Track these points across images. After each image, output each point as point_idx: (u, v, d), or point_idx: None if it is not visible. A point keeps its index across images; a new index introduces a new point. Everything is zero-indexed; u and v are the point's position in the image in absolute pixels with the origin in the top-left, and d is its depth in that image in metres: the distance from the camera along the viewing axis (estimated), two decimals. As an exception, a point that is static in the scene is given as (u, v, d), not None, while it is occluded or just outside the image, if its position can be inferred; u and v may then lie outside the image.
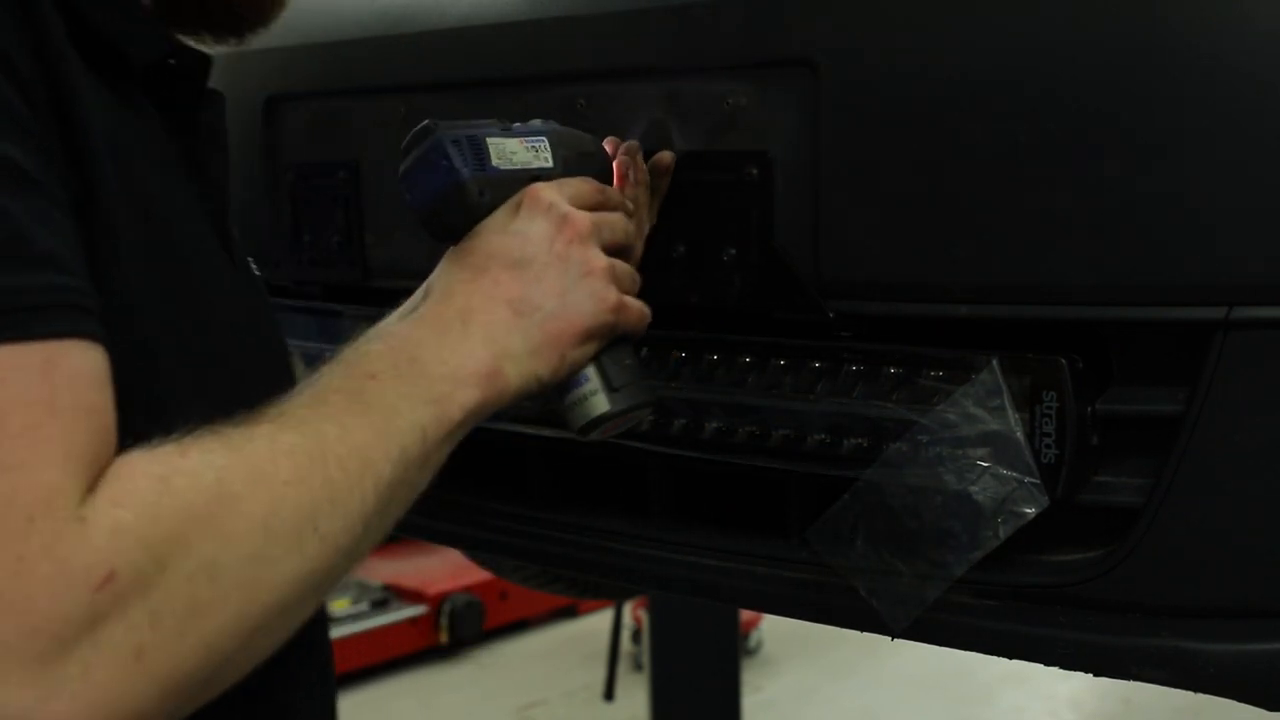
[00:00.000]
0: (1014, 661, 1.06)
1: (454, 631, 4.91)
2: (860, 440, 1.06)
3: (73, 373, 0.67)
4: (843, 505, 1.04)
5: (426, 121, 0.97)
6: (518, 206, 0.96)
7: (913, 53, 1.00)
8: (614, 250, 0.99)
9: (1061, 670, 1.02)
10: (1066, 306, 0.97)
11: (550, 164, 1.01)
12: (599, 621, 4.98)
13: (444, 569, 5.08)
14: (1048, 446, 0.97)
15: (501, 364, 0.90)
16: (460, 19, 1.29)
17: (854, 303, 1.05)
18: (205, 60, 0.94)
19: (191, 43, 0.96)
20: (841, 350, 1.08)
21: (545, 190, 0.97)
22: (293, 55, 1.45)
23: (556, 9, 1.21)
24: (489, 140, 0.98)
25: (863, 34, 1.03)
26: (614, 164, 1.08)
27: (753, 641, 4.84)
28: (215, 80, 0.96)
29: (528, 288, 0.93)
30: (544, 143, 1.02)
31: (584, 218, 0.97)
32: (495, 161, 0.97)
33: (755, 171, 1.07)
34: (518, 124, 1.02)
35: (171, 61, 0.90)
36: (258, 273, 1.02)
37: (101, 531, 0.65)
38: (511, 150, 0.99)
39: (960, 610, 1.06)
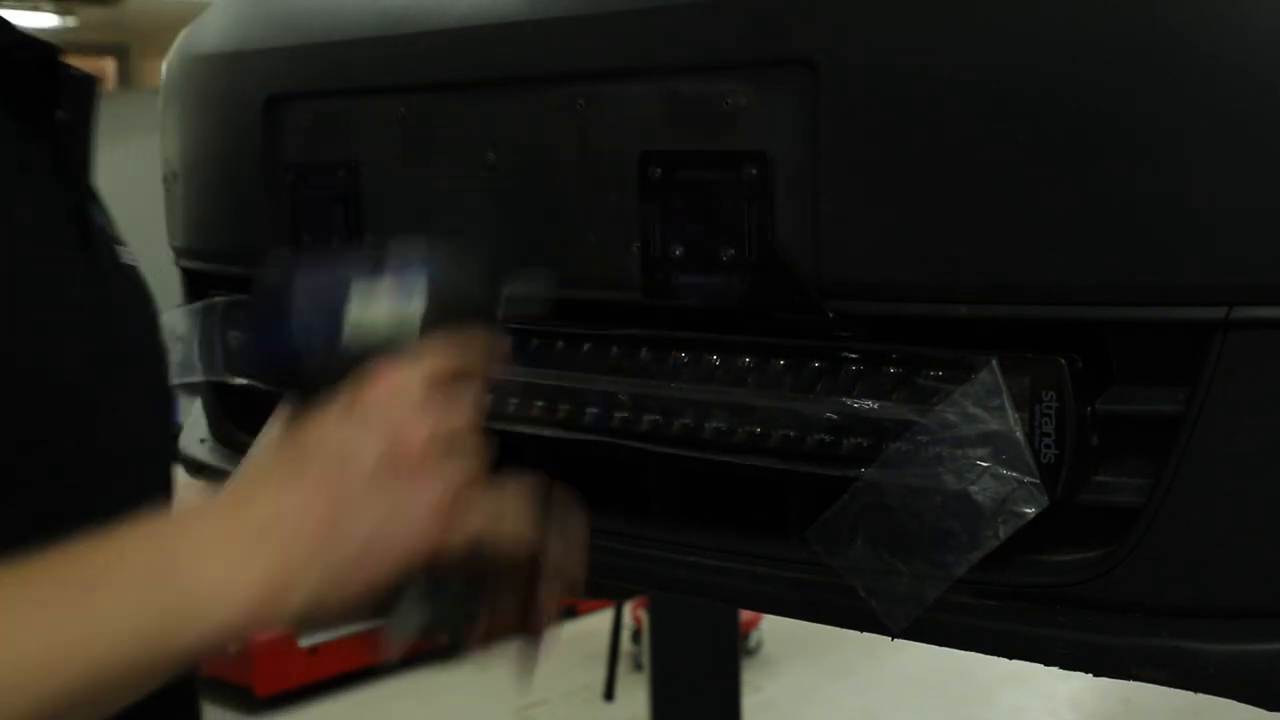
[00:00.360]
0: (1014, 661, 1.05)
1: (454, 631, 4.90)
2: (860, 440, 1.06)
3: None
4: (842, 505, 1.04)
5: (284, 275, 0.86)
6: (346, 408, 0.82)
7: (913, 52, 1.00)
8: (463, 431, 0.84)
9: (1061, 670, 1.02)
10: (1066, 306, 0.97)
11: (418, 323, 0.85)
12: (599, 621, 4.98)
13: (444, 569, 5.07)
14: (1047, 446, 0.97)
15: (283, 591, 0.76)
16: (460, 19, 1.29)
17: (854, 303, 1.05)
18: (53, 50, 0.88)
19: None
20: (841, 350, 1.08)
21: (382, 392, 0.82)
22: (292, 55, 1.45)
23: (556, 9, 1.21)
24: (350, 315, 0.84)
25: (863, 34, 1.03)
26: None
27: (753, 641, 4.84)
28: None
29: (336, 514, 0.78)
30: (417, 304, 0.86)
31: (419, 428, 0.81)
32: (347, 341, 0.84)
33: (755, 171, 1.07)
34: (396, 262, 0.87)
35: (19, 54, 0.86)
36: (132, 262, 0.95)
37: None
38: (372, 321, 0.85)
39: (960, 610, 1.05)
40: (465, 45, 1.28)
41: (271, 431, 0.87)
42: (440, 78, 1.29)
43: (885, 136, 1.01)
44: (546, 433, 1.25)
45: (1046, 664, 1.02)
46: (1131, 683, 1.01)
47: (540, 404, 1.25)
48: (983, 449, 0.98)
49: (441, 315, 0.86)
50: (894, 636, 1.10)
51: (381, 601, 0.82)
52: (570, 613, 5.31)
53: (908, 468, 1.02)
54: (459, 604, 0.88)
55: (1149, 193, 0.92)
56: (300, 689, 4.59)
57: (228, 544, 0.76)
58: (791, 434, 1.09)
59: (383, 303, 0.85)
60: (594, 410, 1.22)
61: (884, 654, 4.80)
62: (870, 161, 1.02)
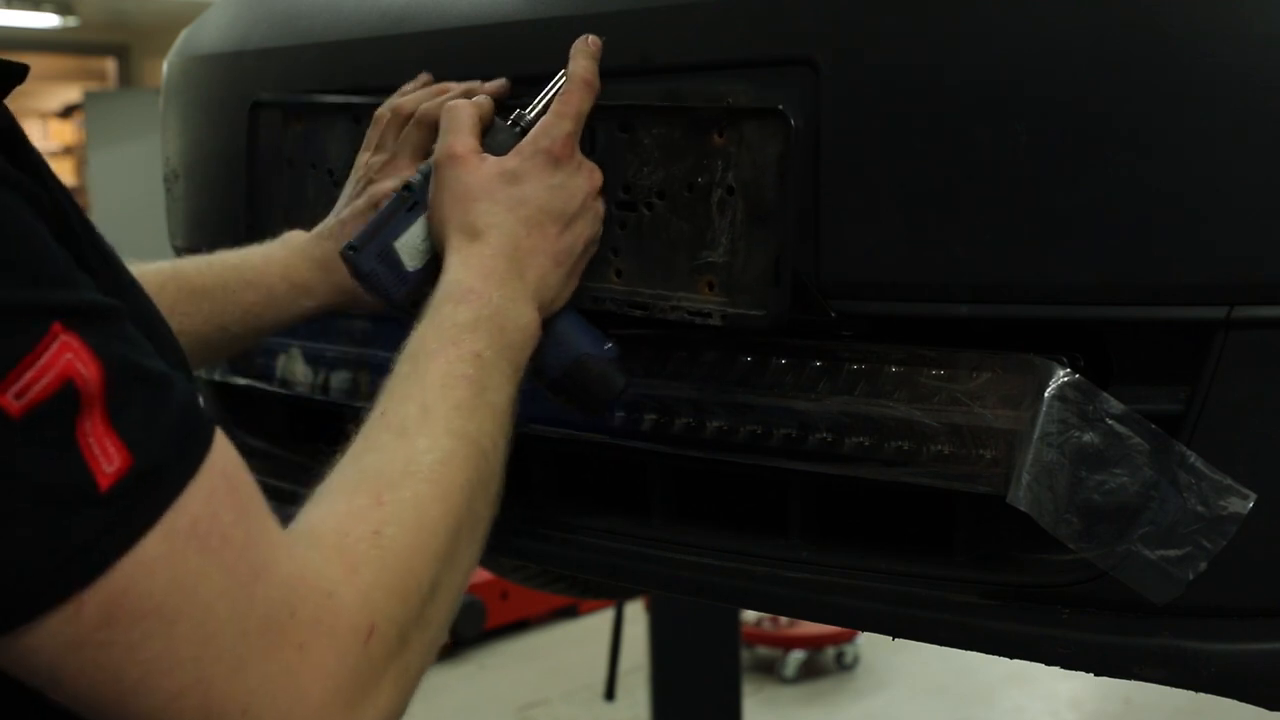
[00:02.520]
0: (1015, 661, 1.06)
1: (455, 631, 4.91)
2: (862, 439, 1.06)
3: (234, 464, 0.73)
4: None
5: (346, 246, 1.07)
6: (553, 161, 1.06)
7: (913, 52, 1.00)
8: None
9: (1062, 670, 1.02)
10: (1066, 306, 0.97)
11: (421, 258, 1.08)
12: (599, 621, 4.98)
13: (445, 569, 5.07)
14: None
15: (541, 313, 1.04)
16: (461, 19, 1.29)
17: (854, 302, 1.05)
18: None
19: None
20: (843, 349, 1.08)
21: (569, 144, 1.07)
22: (292, 55, 1.45)
23: (556, 9, 1.21)
24: (398, 245, 1.06)
25: (863, 34, 1.03)
26: None
27: (849, 657, 4.81)
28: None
29: (570, 241, 1.07)
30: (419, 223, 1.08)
31: (596, 170, 1.10)
32: (409, 265, 1.06)
33: (755, 171, 1.07)
34: (421, 172, 1.09)
35: None
36: None
37: (351, 597, 0.74)
38: (421, 236, 1.06)
39: (961, 610, 1.06)
40: (465, 45, 1.28)
41: (471, 177, 1.05)
42: (442, 78, 1.29)
43: (885, 136, 1.01)
44: (547, 432, 1.25)
45: (1047, 664, 1.02)
46: (1132, 682, 1.01)
47: (541, 403, 1.25)
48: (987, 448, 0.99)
49: None
50: (894, 636, 1.10)
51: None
52: (571, 613, 5.32)
53: (910, 467, 1.02)
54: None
55: (1149, 192, 0.92)
56: (301, 689, 4.58)
57: (515, 300, 1.00)
58: (793, 433, 1.10)
59: (419, 219, 1.07)
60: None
61: (884, 654, 4.80)
62: (870, 161, 1.02)
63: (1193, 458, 0.93)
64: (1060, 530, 0.95)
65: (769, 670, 4.77)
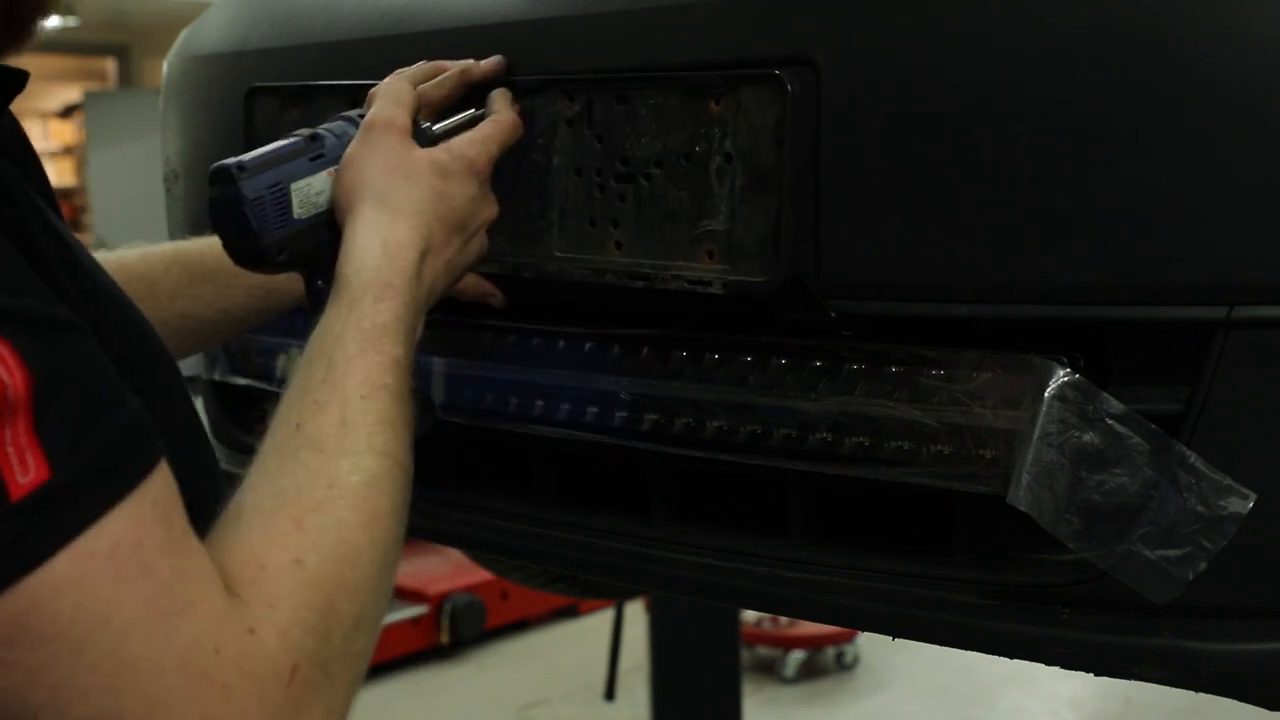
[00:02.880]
0: (1015, 661, 1.06)
1: (455, 631, 4.91)
2: (862, 439, 1.06)
3: (169, 496, 0.70)
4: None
5: (233, 163, 0.97)
6: (475, 173, 1.04)
7: (913, 52, 1.00)
8: None
9: (1062, 670, 1.02)
10: (1066, 306, 0.97)
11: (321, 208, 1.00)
12: (599, 621, 4.98)
13: (445, 569, 5.08)
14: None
15: (427, 255, 0.99)
16: (461, 19, 1.29)
17: (854, 302, 1.05)
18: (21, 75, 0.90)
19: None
20: (843, 349, 1.08)
21: (487, 163, 1.06)
22: (292, 55, 1.45)
23: (554, 9, 1.21)
24: (294, 186, 0.97)
25: (863, 34, 1.03)
26: None
27: (849, 657, 4.81)
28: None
29: (463, 259, 1.05)
30: (325, 186, 1.01)
31: (496, 205, 1.10)
32: (298, 213, 0.98)
33: (755, 171, 1.07)
34: (335, 131, 1.02)
35: None
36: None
37: (272, 635, 0.71)
38: (318, 190, 0.99)
39: (961, 610, 1.06)
40: (465, 46, 1.28)
41: (379, 162, 1.00)
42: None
43: (886, 136, 1.01)
44: (548, 432, 1.25)
45: (1047, 664, 1.02)
46: (1132, 682, 1.01)
47: (541, 404, 1.25)
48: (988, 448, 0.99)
49: None
50: (894, 636, 1.10)
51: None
52: (571, 613, 5.32)
53: (911, 467, 1.02)
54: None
55: (1149, 192, 0.92)
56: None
57: (418, 289, 0.95)
58: (793, 433, 1.10)
59: (323, 172, 0.98)
60: (595, 410, 1.22)
61: (884, 654, 4.80)
62: (871, 161, 1.02)
63: (1193, 458, 0.93)
64: (1060, 530, 0.95)
65: (769, 670, 4.77)
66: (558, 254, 1.18)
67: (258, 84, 1.41)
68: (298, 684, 0.71)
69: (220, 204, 0.96)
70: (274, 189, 0.96)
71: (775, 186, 1.04)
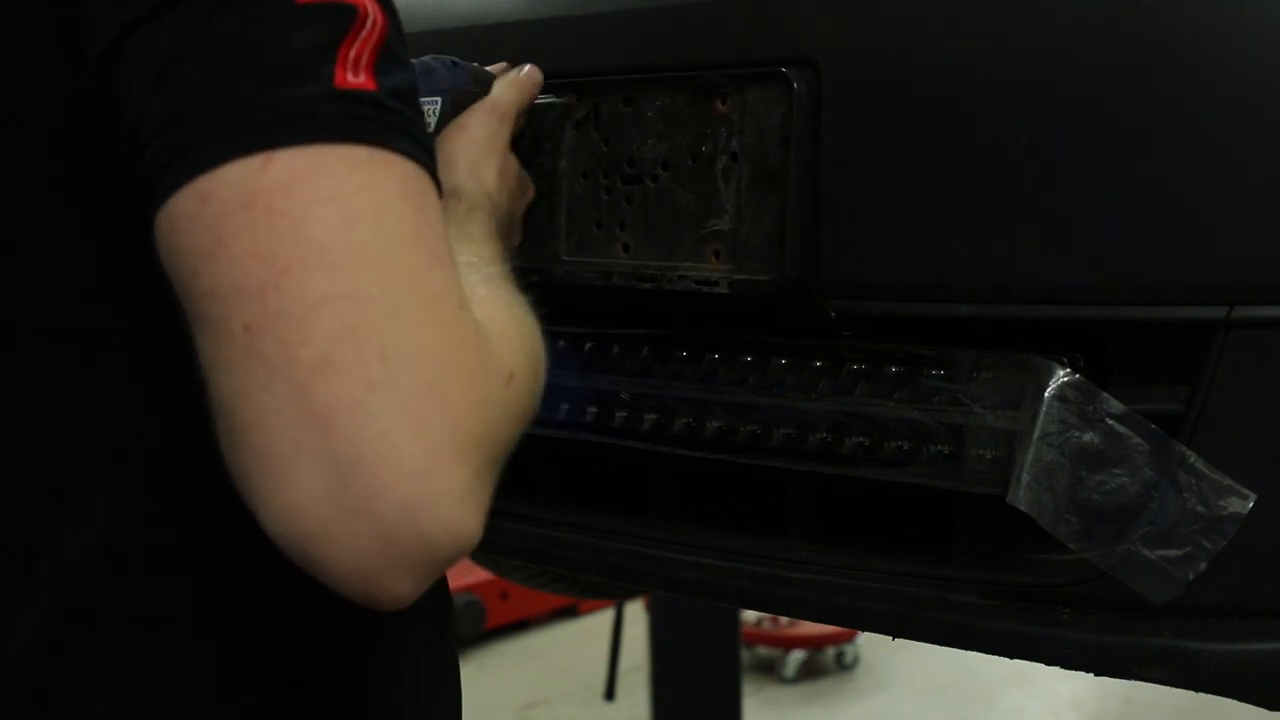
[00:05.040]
0: (1015, 661, 1.06)
1: (455, 631, 4.91)
2: (862, 439, 1.06)
3: (439, 200, 0.70)
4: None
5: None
6: (508, 167, 1.06)
7: (913, 52, 1.00)
8: None
9: (1062, 670, 1.02)
10: (1066, 306, 0.97)
11: (431, 130, 1.04)
12: (599, 621, 4.98)
13: (444, 569, 5.07)
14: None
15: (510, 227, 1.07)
16: (460, 19, 1.29)
17: (855, 302, 1.05)
18: None
19: None
20: (843, 349, 1.08)
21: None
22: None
23: (554, 9, 1.21)
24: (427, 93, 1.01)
25: (864, 33, 1.03)
26: None
27: (849, 657, 4.81)
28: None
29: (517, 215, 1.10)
30: (436, 106, 1.05)
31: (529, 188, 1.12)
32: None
33: (755, 170, 1.07)
34: (421, 66, 1.05)
35: None
36: None
37: (496, 335, 0.70)
38: (434, 113, 1.03)
39: (961, 610, 1.06)
40: (465, 45, 1.28)
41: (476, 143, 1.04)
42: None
43: (886, 136, 1.01)
44: (549, 433, 1.25)
45: (1047, 664, 1.02)
46: (1132, 682, 1.01)
47: (542, 403, 1.25)
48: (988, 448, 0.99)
49: (456, 115, 1.05)
50: (895, 636, 1.10)
51: None
52: (571, 613, 5.32)
53: (911, 466, 1.02)
54: None
55: (1149, 192, 0.92)
56: (301, 689, 4.58)
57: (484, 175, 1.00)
58: (793, 433, 1.10)
59: (446, 104, 1.03)
60: (595, 410, 1.22)
61: (885, 654, 4.80)
62: (871, 161, 1.02)
63: (1193, 458, 0.93)
64: (1060, 530, 0.95)
65: (769, 670, 4.77)
66: (565, 258, 1.18)
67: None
68: (511, 390, 0.70)
69: None
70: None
71: (780, 186, 1.04)
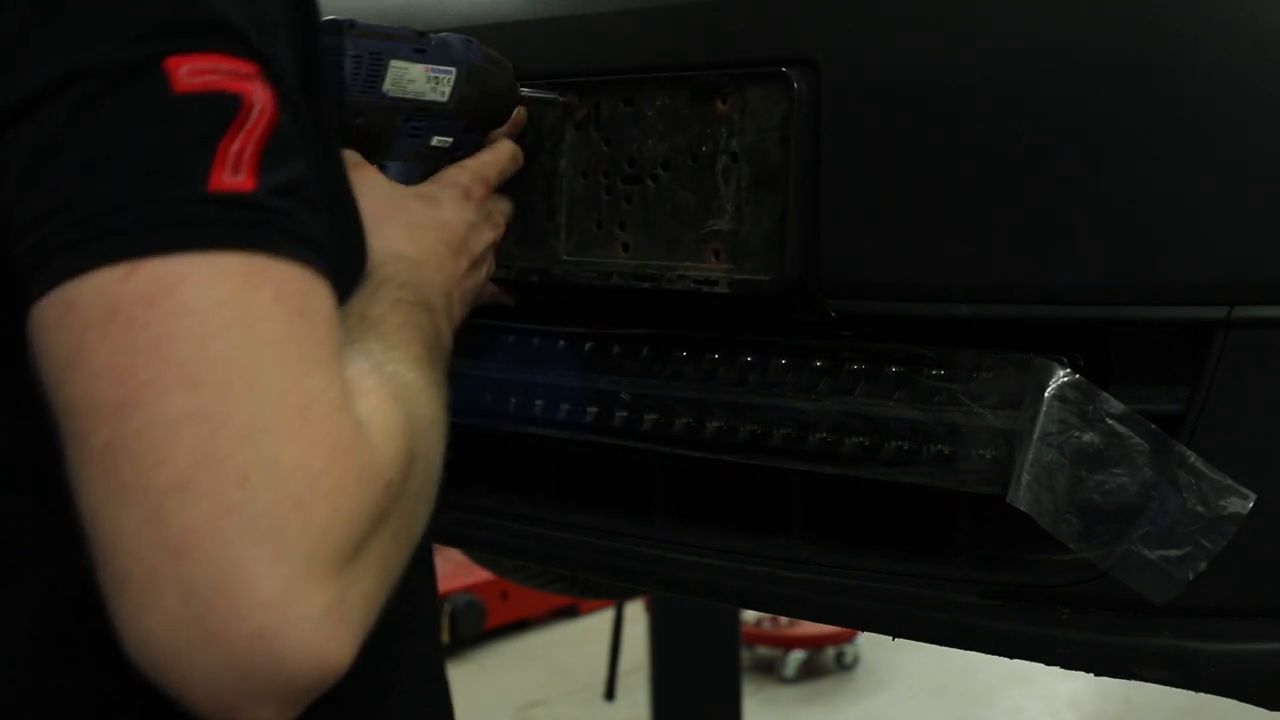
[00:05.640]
0: (1015, 661, 1.06)
1: (455, 631, 4.91)
2: (862, 439, 1.06)
3: (330, 299, 0.68)
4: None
5: (348, 19, 0.99)
6: (465, 198, 1.05)
7: (913, 52, 1.00)
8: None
9: (1062, 670, 1.02)
10: (1066, 306, 0.97)
11: (444, 99, 1.04)
12: (599, 621, 4.98)
13: (445, 569, 5.07)
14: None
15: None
16: (460, 19, 1.29)
17: (855, 302, 1.05)
18: None
19: None
20: (843, 349, 1.08)
21: (483, 189, 1.07)
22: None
23: (554, 9, 1.21)
24: (392, 63, 1.00)
25: (864, 34, 1.03)
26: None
27: (849, 657, 4.81)
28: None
29: (475, 282, 1.06)
30: (450, 75, 1.04)
31: (501, 223, 1.10)
32: (387, 86, 1.00)
33: (756, 170, 1.07)
34: (439, 40, 1.05)
35: None
36: None
37: (380, 436, 0.67)
38: (410, 78, 1.02)
39: (961, 610, 1.06)
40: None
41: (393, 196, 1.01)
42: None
43: (886, 136, 1.01)
44: (548, 432, 1.25)
45: (1047, 664, 1.02)
46: (1132, 682, 1.01)
47: (542, 403, 1.25)
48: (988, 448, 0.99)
49: (469, 90, 1.06)
50: (895, 636, 1.10)
51: None
52: (571, 613, 5.32)
53: (911, 466, 1.02)
54: None
55: (1149, 192, 0.92)
56: (301, 689, 4.58)
57: (420, 245, 0.96)
58: (793, 433, 1.10)
59: (420, 65, 1.02)
60: (595, 410, 1.22)
61: (885, 654, 4.80)
62: (871, 161, 1.02)
63: (1193, 458, 0.93)
64: (1060, 530, 0.95)
65: (769, 670, 4.77)
66: (565, 257, 1.18)
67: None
68: (389, 496, 0.66)
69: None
70: (374, 55, 0.99)
71: (781, 185, 1.04)
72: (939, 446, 1.02)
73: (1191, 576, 0.93)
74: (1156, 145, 0.92)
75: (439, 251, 0.99)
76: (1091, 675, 1.02)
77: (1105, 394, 0.95)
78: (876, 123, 1.02)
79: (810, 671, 4.75)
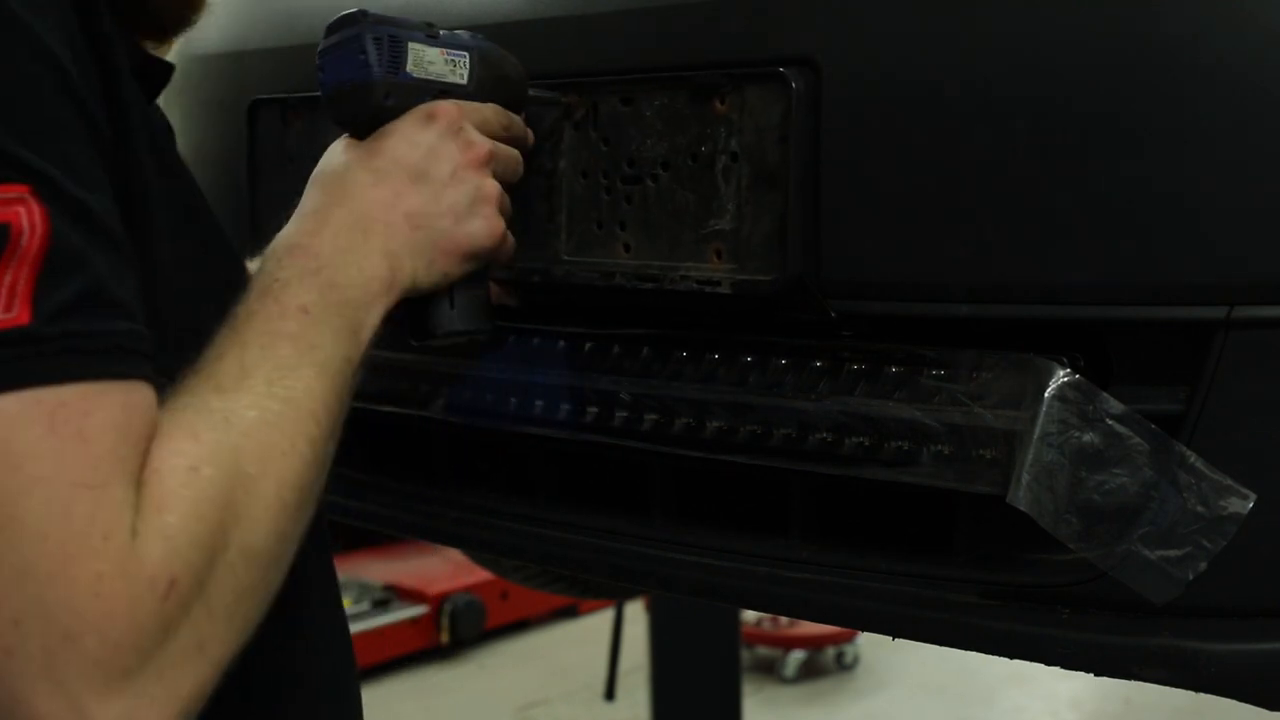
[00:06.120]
0: (1015, 661, 1.06)
1: (455, 631, 4.92)
2: (862, 439, 1.06)
3: (142, 405, 0.71)
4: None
5: (358, 9, 1.00)
6: (427, 118, 0.99)
7: (913, 52, 1.00)
8: (503, 181, 1.04)
9: (1062, 670, 1.02)
10: (1066, 306, 0.97)
11: (464, 81, 1.04)
12: (599, 621, 4.98)
13: (445, 569, 5.08)
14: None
15: (395, 275, 0.94)
16: (460, 19, 1.29)
17: (855, 302, 1.05)
18: (170, 66, 0.97)
19: None
20: (843, 349, 1.08)
21: (455, 109, 1.00)
22: (292, 56, 1.45)
23: (554, 8, 1.21)
24: (410, 45, 1.01)
25: (863, 33, 1.03)
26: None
27: (849, 657, 4.81)
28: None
29: (426, 203, 0.96)
30: (465, 59, 1.05)
31: (485, 145, 1.01)
32: (410, 68, 1.01)
33: (756, 170, 1.07)
34: (447, 32, 1.05)
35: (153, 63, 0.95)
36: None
37: (156, 542, 0.68)
38: (429, 60, 1.02)
39: (961, 610, 1.06)
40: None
41: (336, 146, 0.99)
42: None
43: (886, 136, 1.01)
44: (549, 433, 1.25)
45: (1047, 664, 1.02)
46: (1132, 682, 1.01)
47: (542, 404, 1.26)
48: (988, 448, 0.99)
49: (485, 73, 1.06)
50: (895, 636, 1.10)
51: (433, 301, 1.01)
52: (571, 613, 5.32)
53: (911, 467, 1.02)
54: (488, 300, 1.07)
55: (1149, 192, 0.92)
56: (301, 689, 4.59)
57: (350, 251, 0.91)
58: (793, 433, 1.10)
59: (436, 49, 1.03)
60: (595, 410, 1.22)
61: (885, 654, 4.81)
62: (871, 161, 1.02)
63: (1193, 458, 0.93)
64: (1060, 530, 0.95)
65: (769, 670, 4.77)
66: (565, 258, 1.18)
67: (260, 96, 1.41)
68: (173, 600, 0.68)
69: (339, 46, 0.99)
70: (394, 39, 1.00)
71: (781, 185, 1.04)
72: (939, 446, 1.02)
73: (1191, 576, 0.93)
74: (1157, 145, 0.92)
75: (366, 208, 0.94)
76: (1091, 675, 1.02)
77: (1105, 394, 0.95)
78: (878, 122, 1.02)
79: (810, 671, 4.75)
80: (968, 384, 1.01)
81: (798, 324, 1.09)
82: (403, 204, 0.96)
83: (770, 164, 1.05)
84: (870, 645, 4.83)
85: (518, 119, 1.09)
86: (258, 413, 0.78)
